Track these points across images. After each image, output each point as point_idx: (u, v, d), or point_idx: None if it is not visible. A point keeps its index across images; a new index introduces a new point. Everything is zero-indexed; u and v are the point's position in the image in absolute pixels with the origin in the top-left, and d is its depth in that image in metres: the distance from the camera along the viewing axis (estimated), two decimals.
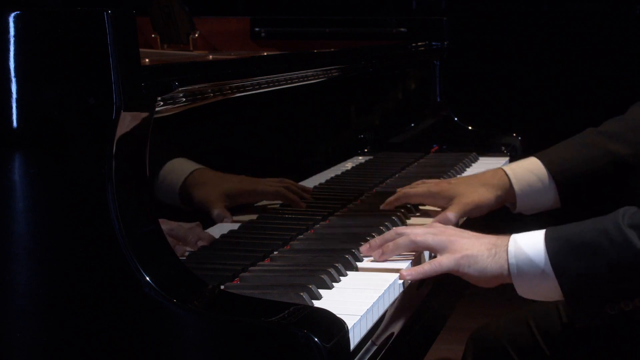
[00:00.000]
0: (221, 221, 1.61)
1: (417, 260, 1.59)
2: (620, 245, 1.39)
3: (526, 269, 1.45)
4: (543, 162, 1.93)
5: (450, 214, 1.85)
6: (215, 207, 1.60)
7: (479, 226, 1.78)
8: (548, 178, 1.91)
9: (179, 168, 1.52)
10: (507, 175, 1.93)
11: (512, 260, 1.46)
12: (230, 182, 1.68)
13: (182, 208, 1.52)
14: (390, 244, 1.55)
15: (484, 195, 1.90)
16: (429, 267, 1.49)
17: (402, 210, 1.87)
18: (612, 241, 1.40)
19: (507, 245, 1.48)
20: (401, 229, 1.59)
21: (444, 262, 1.49)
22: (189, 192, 1.53)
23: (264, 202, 1.80)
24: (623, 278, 1.40)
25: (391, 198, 1.93)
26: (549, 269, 1.43)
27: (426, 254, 1.64)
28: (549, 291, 1.46)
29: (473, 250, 1.49)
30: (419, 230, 1.56)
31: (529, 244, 1.46)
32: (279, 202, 1.83)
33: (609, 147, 1.92)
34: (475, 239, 1.52)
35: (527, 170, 1.93)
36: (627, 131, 1.95)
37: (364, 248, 1.58)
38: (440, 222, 1.81)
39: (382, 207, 1.92)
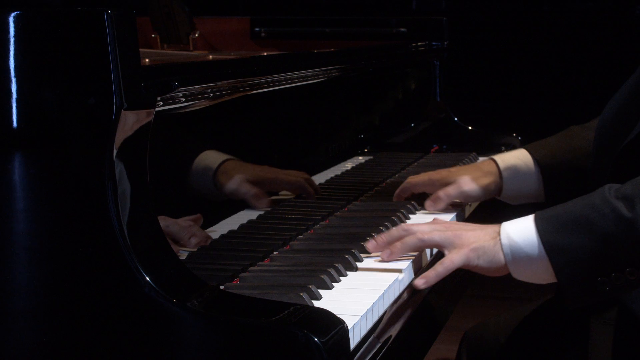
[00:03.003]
0: (259, 204, 1.70)
1: (417, 260, 1.59)
2: (608, 216, 1.41)
3: (518, 253, 1.48)
4: (529, 150, 2.00)
5: (442, 193, 1.93)
6: (249, 192, 1.69)
7: (484, 220, 1.80)
8: (533, 164, 1.97)
9: (209, 160, 1.59)
10: (494, 160, 2.00)
11: (505, 247, 1.49)
12: (253, 171, 1.72)
13: (216, 193, 1.60)
14: (398, 244, 1.55)
15: (480, 181, 1.97)
16: (442, 268, 1.50)
17: (402, 211, 1.87)
18: (601, 213, 1.41)
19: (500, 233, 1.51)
20: (407, 225, 1.60)
21: (455, 258, 1.50)
22: (219, 180, 1.60)
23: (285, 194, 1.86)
24: (613, 249, 1.41)
25: (398, 190, 2.02)
26: (539, 251, 1.46)
27: (427, 250, 1.64)
28: (541, 273, 1.47)
29: (479, 242, 1.51)
30: (425, 227, 1.57)
31: (518, 230, 1.48)
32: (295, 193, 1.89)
33: (590, 137, 1.93)
34: (480, 230, 1.54)
35: (514, 156, 2.00)
36: None
37: (370, 245, 1.58)
38: (432, 201, 1.92)
39: (394, 199, 2.01)
